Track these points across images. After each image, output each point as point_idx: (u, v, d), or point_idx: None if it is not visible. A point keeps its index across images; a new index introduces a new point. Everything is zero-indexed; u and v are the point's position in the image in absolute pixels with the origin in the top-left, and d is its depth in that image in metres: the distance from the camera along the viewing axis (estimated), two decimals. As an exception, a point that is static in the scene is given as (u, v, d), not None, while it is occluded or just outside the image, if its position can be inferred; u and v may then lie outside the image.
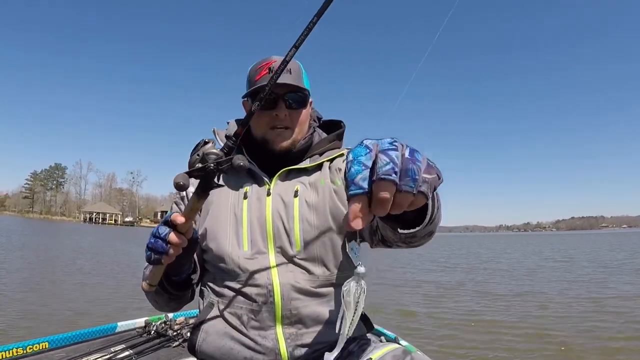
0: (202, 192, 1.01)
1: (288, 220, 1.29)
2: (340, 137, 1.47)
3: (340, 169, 1.37)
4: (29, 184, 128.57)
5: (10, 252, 14.85)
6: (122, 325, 2.75)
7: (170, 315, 2.88)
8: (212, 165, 0.97)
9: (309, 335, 1.25)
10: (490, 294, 9.60)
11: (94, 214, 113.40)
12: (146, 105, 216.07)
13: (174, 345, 2.65)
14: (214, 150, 0.99)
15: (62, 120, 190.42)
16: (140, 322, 2.85)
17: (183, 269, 1.21)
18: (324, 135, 1.49)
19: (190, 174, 0.98)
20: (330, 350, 1.26)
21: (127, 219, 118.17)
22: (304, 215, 1.29)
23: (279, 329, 1.24)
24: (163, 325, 2.78)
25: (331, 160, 1.41)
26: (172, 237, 1.03)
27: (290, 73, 1.33)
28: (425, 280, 11.86)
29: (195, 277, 1.31)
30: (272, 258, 1.28)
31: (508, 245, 41.22)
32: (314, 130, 1.48)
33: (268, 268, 1.26)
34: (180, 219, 1.03)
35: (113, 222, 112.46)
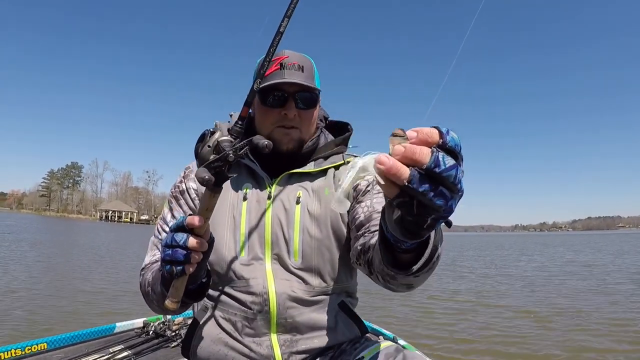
0: (217, 186, 0.95)
1: (288, 228, 1.26)
2: (345, 142, 1.42)
3: None
4: (45, 183, 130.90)
5: (17, 252, 14.96)
6: (121, 325, 2.78)
7: (169, 315, 2.89)
8: (230, 153, 0.90)
9: (303, 341, 1.24)
10: (511, 308, 7.89)
11: (110, 212, 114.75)
12: (162, 105, 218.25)
13: (173, 345, 2.67)
14: (227, 138, 0.93)
15: (78, 120, 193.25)
16: (138, 322, 2.87)
17: (200, 274, 1.11)
18: (330, 137, 1.45)
19: (209, 166, 0.91)
20: (324, 354, 1.28)
21: (142, 217, 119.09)
22: (304, 225, 1.26)
23: (274, 336, 1.23)
24: (161, 325, 2.80)
25: (337, 167, 1.35)
26: (192, 242, 0.95)
27: (303, 71, 1.27)
28: (434, 288, 10.33)
29: (209, 281, 1.22)
30: (269, 265, 1.25)
31: (526, 247, 39.29)
32: (321, 132, 1.43)
33: (264, 275, 1.23)
34: (197, 221, 0.95)
35: (129, 220, 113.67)
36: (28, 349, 2.17)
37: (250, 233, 1.26)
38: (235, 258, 1.25)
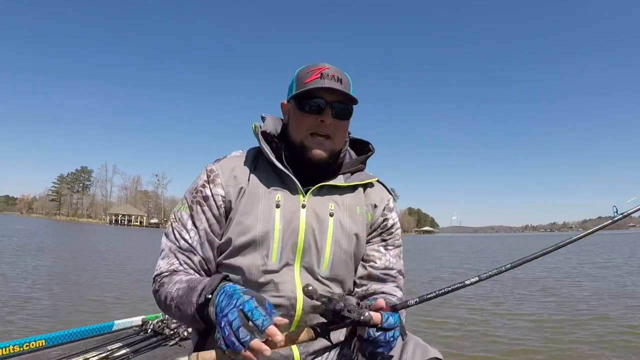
0: (320, 335, 1.05)
1: (321, 239, 1.30)
2: (365, 160, 1.47)
3: (375, 206, 1.42)
4: (55, 187, 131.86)
5: (22, 255, 15.12)
6: (119, 323, 2.80)
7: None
8: (348, 314, 1.03)
9: (318, 341, 1.27)
10: (527, 317, 7.26)
11: (120, 215, 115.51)
12: (170, 108, 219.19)
13: (171, 344, 2.69)
14: (353, 304, 1.06)
15: (87, 124, 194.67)
16: (137, 320, 2.89)
17: None
18: (353, 153, 1.49)
19: (327, 308, 1.06)
20: (331, 351, 1.35)
21: (152, 221, 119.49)
22: (337, 238, 1.32)
23: None
24: (160, 324, 2.82)
25: (365, 187, 1.43)
26: (259, 345, 0.94)
27: (341, 83, 1.30)
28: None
29: None
30: (297, 272, 1.29)
31: (536, 247, 38.27)
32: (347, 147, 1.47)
33: (293, 281, 1.27)
34: (279, 338, 0.96)
35: (138, 223, 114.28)
36: (26, 346, 2.20)
37: (283, 240, 1.28)
38: (267, 265, 1.27)
